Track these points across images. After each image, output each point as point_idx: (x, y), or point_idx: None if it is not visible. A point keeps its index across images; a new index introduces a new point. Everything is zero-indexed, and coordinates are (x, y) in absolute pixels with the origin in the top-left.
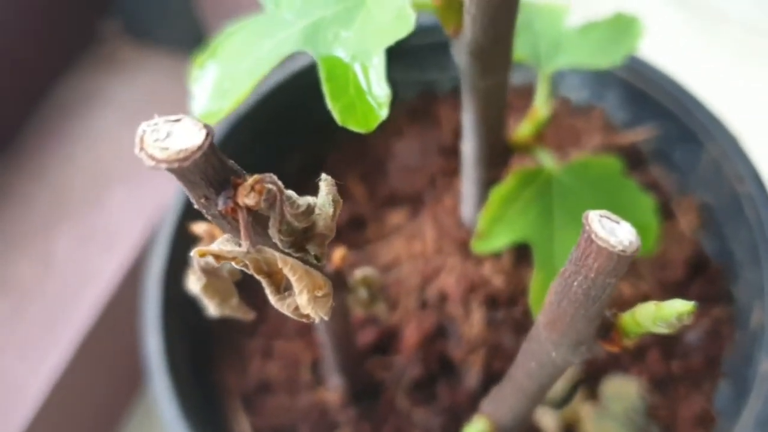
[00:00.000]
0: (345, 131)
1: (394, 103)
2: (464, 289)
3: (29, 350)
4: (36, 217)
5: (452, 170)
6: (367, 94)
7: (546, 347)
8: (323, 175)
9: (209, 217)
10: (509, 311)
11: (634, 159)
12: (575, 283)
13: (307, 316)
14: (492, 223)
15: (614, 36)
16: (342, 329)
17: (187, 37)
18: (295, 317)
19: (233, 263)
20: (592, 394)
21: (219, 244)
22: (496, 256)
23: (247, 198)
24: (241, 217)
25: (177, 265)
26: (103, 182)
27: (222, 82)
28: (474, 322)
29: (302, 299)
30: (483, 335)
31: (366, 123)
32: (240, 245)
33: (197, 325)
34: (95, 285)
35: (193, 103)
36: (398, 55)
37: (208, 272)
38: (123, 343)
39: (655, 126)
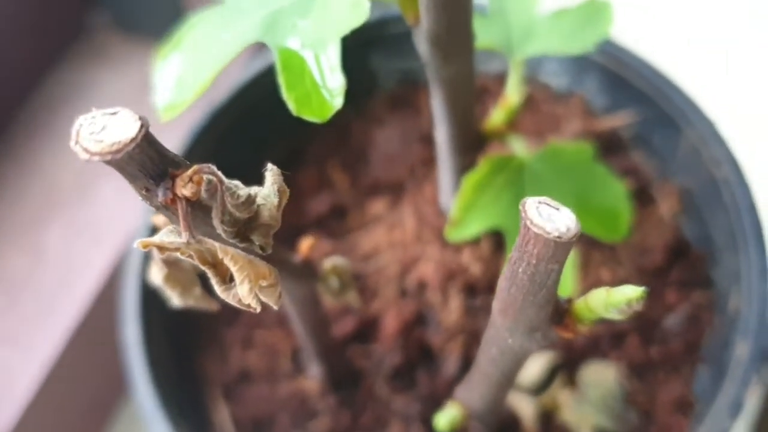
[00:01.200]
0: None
1: (375, 91)
2: (443, 277)
3: (20, 342)
4: (27, 210)
5: (432, 158)
6: (320, 85)
7: (502, 334)
8: (268, 165)
9: (155, 210)
10: (487, 298)
11: (614, 144)
12: (520, 270)
13: (250, 306)
14: (465, 210)
15: (586, 22)
16: (315, 318)
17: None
18: (241, 307)
19: (179, 254)
20: (571, 381)
21: (161, 236)
22: (475, 243)
23: (185, 189)
24: (180, 208)
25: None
26: (94, 175)
27: (184, 74)
28: (452, 310)
29: (243, 289)
30: (461, 322)
31: (321, 113)
32: (179, 236)
33: (177, 315)
34: (86, 277)
35: (155, 96)
36: (378, 44)
37: (169, 263)
38: (114, 334)
39: (634, 111)
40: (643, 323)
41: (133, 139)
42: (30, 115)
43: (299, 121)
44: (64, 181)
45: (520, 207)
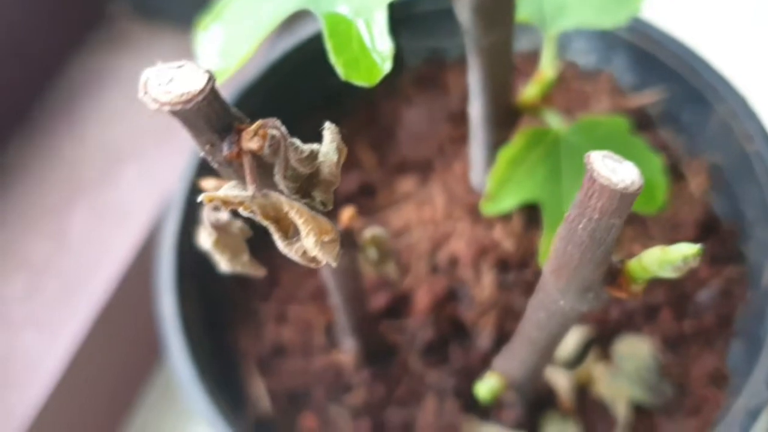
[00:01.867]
0: (355, 100)
1: (403, 70)
2: (475, 252)
3: (46, 326)
4: (50, 195)
5: (461, 137)
6: (370, 49)
7: (553, 296)
8: (327, 124)
9: (216, 165)
10: (520, 273)
11: (642, 122)
12: (580, 227)
13: (315, 260)
14: (500, 184)
15: None
16: (354, 289)
17: (195, 14)
18: (304, 262)
19: (242, 210)
20: (605, 355)
21: (226, 190)
22: (506, 219)
23: (250, 142)
24: (246, 161)
25: (190, 231)
26: (116, 159)
27: (226, 43)
28: (485, 285)
29: (309, 242)
30: (494, 297)
31: (369, 77)
32: (244, 189)
33: (212, 290)
34: (110, 260)
35: (199, 63)
36: (406, 22)
37: (218, 228)
38: (139, 316)
39: (663, 88)
40: (676, 298)
41: (201, 91)
42: (51, 101)
43: (325, 102)
44: (87, 166)
45: (585, 159)
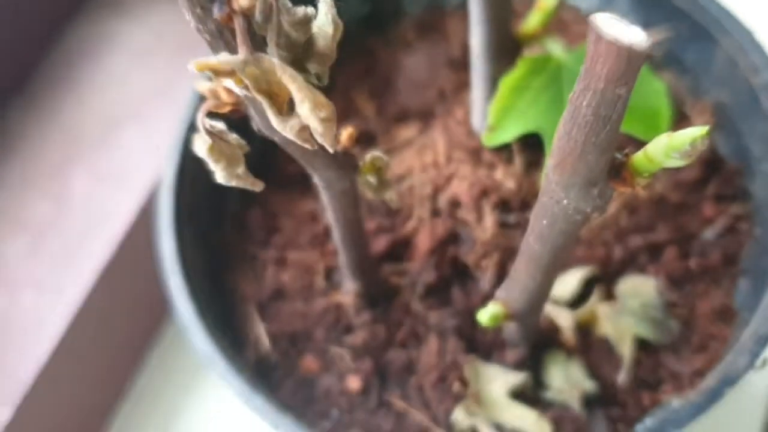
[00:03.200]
0: (352, 49)
1: (402, 18)
2: (476, 194)
3: (48, 286)
4: (51, 157)
5: (462, 83)
6: None
7: (557, 194)
8: None
9: (207, 39)
10: (522, 214)
11: (647, 63)
12: (584, 103)
13: (311, 138)
14: (502, 113)
15: None
16: (353, 218)
17: None
18: (300, 140)
19: (234, 85)
20: (609, 295)
21: (218, 58)
22: (508, 161)
23: (242, 1)
24: (237, 22)
25: (187, 177)
26: (116, 122)
27: None
28: (487, 227)
29: (304, 110)
30: (496, 239)
31: None
32: (239, 54)
33: (211, 236)
34: (111, 221)
35: None
36: None
37: (213, 134)
38: (142, 276)
39: (666, 28)
40: (681, 237)
41: None
42: (52, 66)
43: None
44: (88, 129)
45: (589, 20)
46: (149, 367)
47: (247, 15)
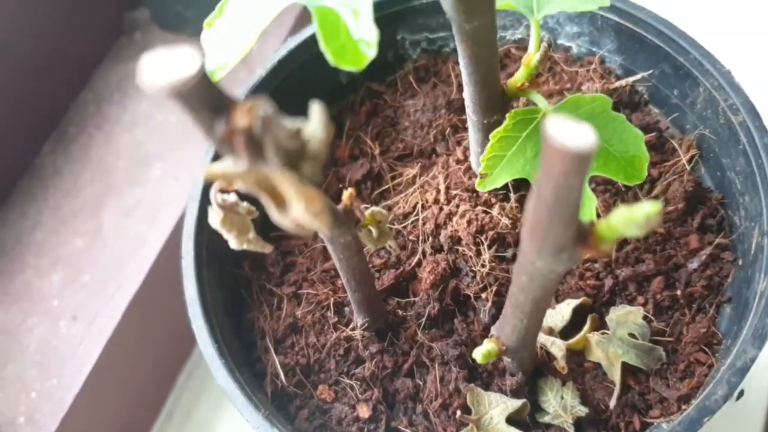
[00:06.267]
0: (357, 94)
1: (403, 63)
2: (474, 231)
3: (84, 313)
4: (83, 195)
5: (461, 123)
6: (356, 37)
7: (531, 258)
8: (313, 104)
9: (216, 146)
10: (517, 249)
11: (633, 101)
12: (545, 189)
13: (304, 228)
14: (493, 163)
15: None
16: (358, 264)
17: None
18: (296, 231)
19: (239, 184)
20: (600, 324)
21: (223, 166)
22: (504, 199)
23: (242, 119)
24: (239, 138)
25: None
26: (142, 160)
27: (229, 37)
28: (485, 261)
29: (297, 209)
30: (494, 272)
31: (356, 62)
32: (239, 164)
33: (231, 276)
34: (140, 253)
35: (206, 59)
36: (405, 16)
37: (224, 207)
38: (170, 304)
39: (652, 67)
40: (668, 267)
41: (196, 74)
42: (82, 109)
43: (329, 97)
44: (116, 167)
45: (542, 127)
46: (180, 387)
47: (247, 129)
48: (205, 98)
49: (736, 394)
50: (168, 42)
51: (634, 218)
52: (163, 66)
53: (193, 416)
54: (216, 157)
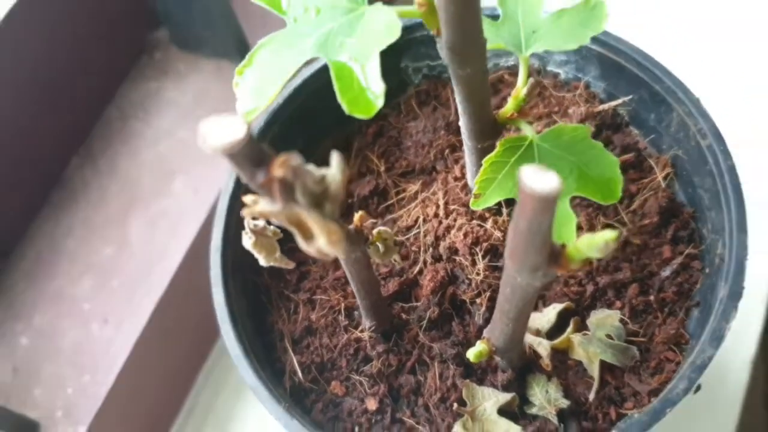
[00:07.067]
0: (364, 121)
1: (407, 88)
2: (470, 242)
3: (113, 316)
4: (111, 206)
5: (459, 144)
6: (366, 90)
7: (512, 274)
8: (334, 153)
9: (254, 188)
10: None
11: (615, 123)
12: (520, 222)
13: (326, 254)
14: (485, 185)
15: (583, 20)
16: (367, 277)
17: (229, 43)
18: (319, 256)
19: (274, 219)
20: (582, 326)
21: (262, 206)
22: (497, 214)
23: (278, 171)
24: (275, 185)
25: (232, 237)
26: (166, 173)
27: (258, 85)
28: (480, 270)
29: (321, 241)
30: (487, 280)
31: (367, 111)
32: (275, 204)
33: (253, 284)
34: (164, 261)
35: (237, 103)
36: (409, 46)
37: (256, 233)
38: (191, 307)
39: (632, 93)
40: (643, 275)
41: (242, 139)
42: (107, 125)
43: (338, 121)
44: (142, 180)
45: (517, 174)
46: (201, 384)
47: (282, 178)
48: (250, 156)
49: (694, 388)
50: (186, 62)
51: (595, 243)
52: (217, 130)
53: (213, 410)
54: (241, 185)
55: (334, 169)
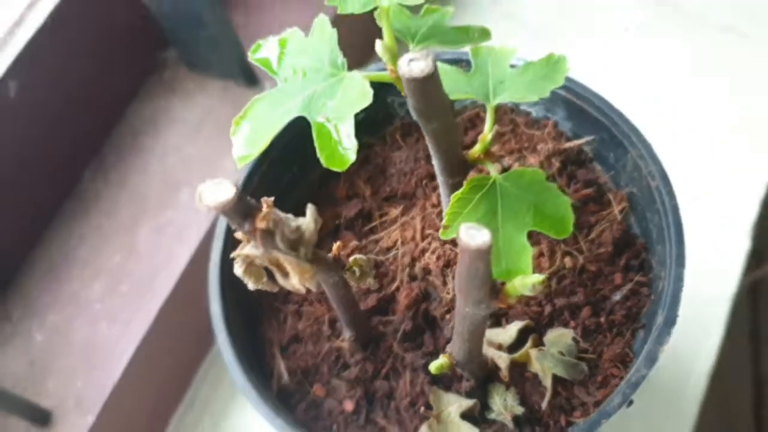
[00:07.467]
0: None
1: (393, 121)
2: (442, 265)
3: (121, 317)
4: (121, 216)
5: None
6: (340, 146)
7: (461, 305)
8: (309, 205)
9: (241, 233)
10: None
11: (579, 160)
12: (462, 267)
13: (299, 290)
14: (453, 218)
15: (546, 73)
16: (345, 296)
17: (233, 66)
18: (295, 290)
19: (256, 260)
20: (540, 342)
21: (246, 249)
22: None
23: (260, 223)
24: (258, 234)
25: (229, 256)
26: (173, 186)
27: (251, 135)
28: (450, 290)
29: (295, 280)
30: (455, 299)
31: (341, 165)
32: (258, 249)
33: (247, 296)
34: (170, 267)
35: (233, 149)
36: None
37: (245, 262)
38: (193, 311)
39: (592, 134)
40: (595, 299)
41: (232, 198)
42: (118, 140)
43: None
44: (150, 192)
45: (458, 231)
46: (200, 380)
47: (264, 229)
48: (238, 211)
49: (627, 402)
50: (194, 81)
51: (527, 284)
52: (211, 190)
53: (210, 404)
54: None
55: (308, 219)
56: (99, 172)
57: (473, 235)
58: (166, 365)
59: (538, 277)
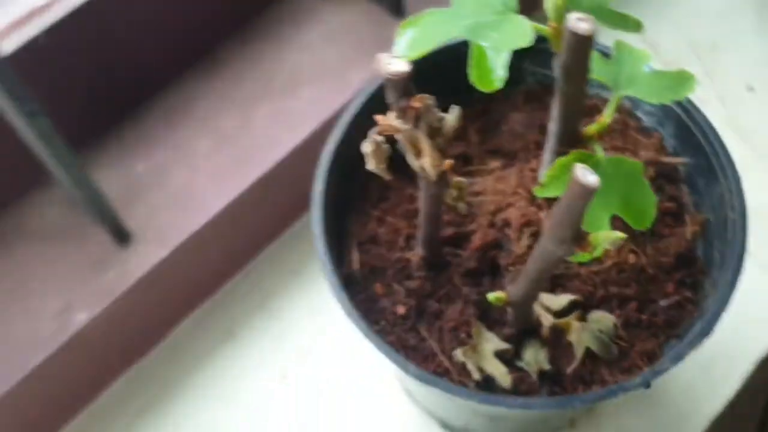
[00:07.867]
0: (476, 97)
1: (519, 85)
2: (522, 222)
3: (218, 176)
4: (245, 90)
5: (543, 143)
6: (492, 72)
7: (545, 240)
8: (454, 106)
9: (394, 108)
10: None
11: (671, 176)
12: (563, 200)
13: (426, 173)
14: (552, 179)
15: (673, 85)
16: (434, 213)
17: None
18: (420, 172)
19: (397, 135)
20: (583, 317)
21: (395, 121)
22: (552, 206)
23: (416, 102)
24: (410, 111)
25: (343, 145)
26: (299, 79)
27: (414, 41)
28: (522, 245)
29: (426, 160)
30: (525, 255)
31: (488, 87)
32: (405, 124)
33: (345, 193)
34: (277, 146)
35: (393, 48)
36: (532, 53)
37: (375, 144)
38: (283, 194)
39: (692, 157)
40: (644, 298)
41: (407, 72)
42: (262, 23)
43: (454, 93)
44: (277, 79)
45: (572, 169)
46: (264, 259)
47: (417, 107)
48: (403, 86)
49: (645, 384)
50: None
51: (609, 237)
52: (390, 61)
53: (263, 281)
54: (364, 107)
55: (453, 116)
56: (236, 45)
57: (585, 174)
58: (244, 232)
59: (621, 234)
